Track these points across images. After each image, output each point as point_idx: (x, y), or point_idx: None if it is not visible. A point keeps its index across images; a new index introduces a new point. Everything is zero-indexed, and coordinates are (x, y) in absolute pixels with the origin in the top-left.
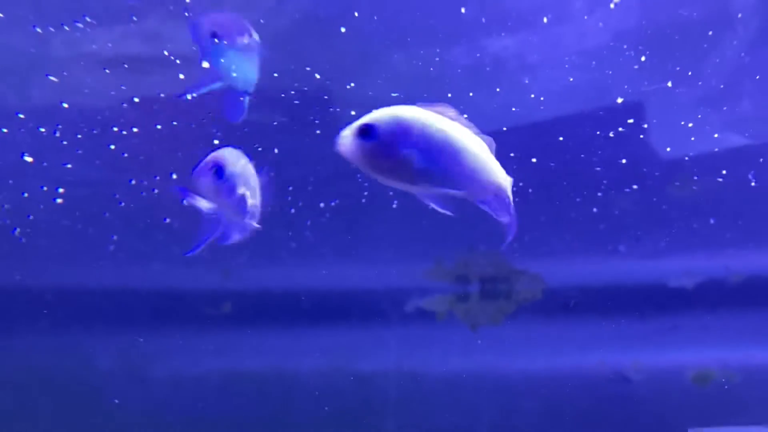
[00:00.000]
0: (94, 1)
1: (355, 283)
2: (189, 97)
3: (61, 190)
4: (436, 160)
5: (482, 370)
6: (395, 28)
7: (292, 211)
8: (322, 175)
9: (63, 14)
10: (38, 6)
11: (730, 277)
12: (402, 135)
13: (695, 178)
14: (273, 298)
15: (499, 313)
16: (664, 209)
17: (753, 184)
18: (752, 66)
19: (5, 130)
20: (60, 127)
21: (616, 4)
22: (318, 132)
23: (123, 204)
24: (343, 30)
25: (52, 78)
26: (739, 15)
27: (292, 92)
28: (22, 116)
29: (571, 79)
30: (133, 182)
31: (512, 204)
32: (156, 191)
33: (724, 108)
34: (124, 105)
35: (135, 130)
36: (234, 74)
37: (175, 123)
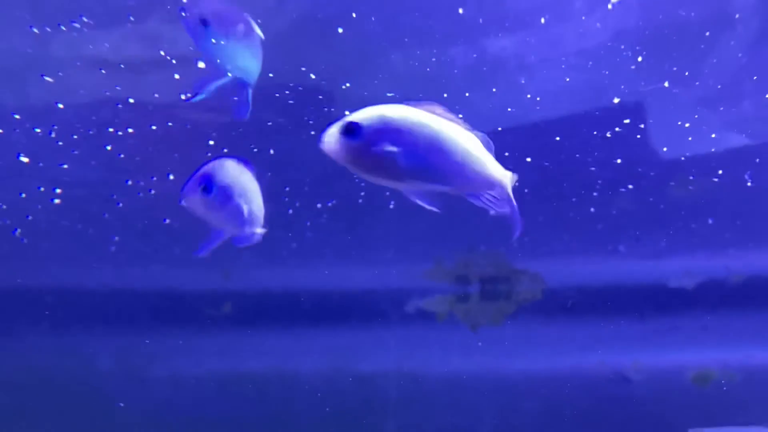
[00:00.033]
0: (91, 2)
1: (355, 283)
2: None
3: (58, 191)
4: (422, 157)
5: (482, 370)
6: (393, 28)
7: (290, 212)
8: (320, 175)
9: (60, 14)
10: (35, 6)
11: (731, 278)
12: (386, 133)
13: (695, 178)
14: (273, 298)
15: (500, 314)
16: (664, 209)
17: (750, 184)
18: (750, 66)
19: (0, 131)
20: (56, 127)
21: (613, 5)
22: (313, 132)
23: (121, 204)
24: (340, 30)
25: (47, 78)
26: (737, 15)
27: (287, 92)
28: (17, 117)
29: (568, 79)
30: (130, 183)
31: (514, 200)
32: (153, 192)
33: (723, 108)
34: (119, 105)
35: (130, 130)
36: (230, 66)
37: (170, 124)
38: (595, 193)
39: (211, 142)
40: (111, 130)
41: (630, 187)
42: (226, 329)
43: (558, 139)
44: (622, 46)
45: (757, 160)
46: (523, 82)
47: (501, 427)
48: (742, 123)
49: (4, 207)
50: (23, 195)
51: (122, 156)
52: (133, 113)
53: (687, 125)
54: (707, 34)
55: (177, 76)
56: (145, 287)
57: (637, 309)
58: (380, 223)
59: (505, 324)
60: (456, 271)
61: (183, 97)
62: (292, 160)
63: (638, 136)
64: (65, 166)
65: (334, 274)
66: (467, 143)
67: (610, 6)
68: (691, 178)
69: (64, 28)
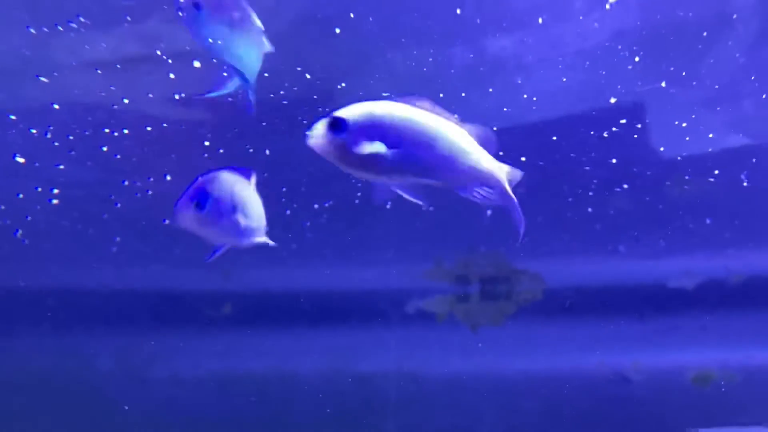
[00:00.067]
0: (88, 2)
1: (355, 284)
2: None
3: (55, 191)
4: (409, 151)
5: (483, 370)
6: (391, 28)
7: (288, 212)
8: (318, 175)
9: (57, 15)
10: (32, 6)
11: (731, 278)
12: (372, 128)
13: (694, 178)
14: (273, 299)
15: (500, 314)
16: (664, 209)
17: (750, 184)
18: (748, 67)
19: None
20: (51, 128)
21: (611, 5)
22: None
23: (119, 205)
24: (338, 31)
25: (42, 79)
26: (735, 16)
27: (282, 92)
28: (13, 117)
29: (564, 79)
30: (126, 183)
31: (513, 195)
32: (150, 192)
33: (722, 108)
34: (115, 106)
35: (126, 131)
36: (225, 55)
37: (165, 125)
38: (595, 194)
39: (207, 143)
40: (107, 130)
41: (630, 187)
42: (226, 330)
43: (558, 139)
44: (619, 46)
45: (758, 160)
46: (519, 82)
47: (501, 427)
48: (740, 123)
49: (3, 207)
50: (21, 195)
51: (118, 156)
52: (129, 114)
53: (686, 125)
54: (705, 34)
55: (172, 76)
56: (145, 288)
57: (637, 309)
58: (380, 224)
59: (505, 324)
60: (456, 271)
61: (180, 95)
62: (289, 161)
63: (638, 137)
64: (62, 167)
65: (334, 275)
66: (455, 137)
67: (608, 6)
68: (690, 178)
69: (61, 29)
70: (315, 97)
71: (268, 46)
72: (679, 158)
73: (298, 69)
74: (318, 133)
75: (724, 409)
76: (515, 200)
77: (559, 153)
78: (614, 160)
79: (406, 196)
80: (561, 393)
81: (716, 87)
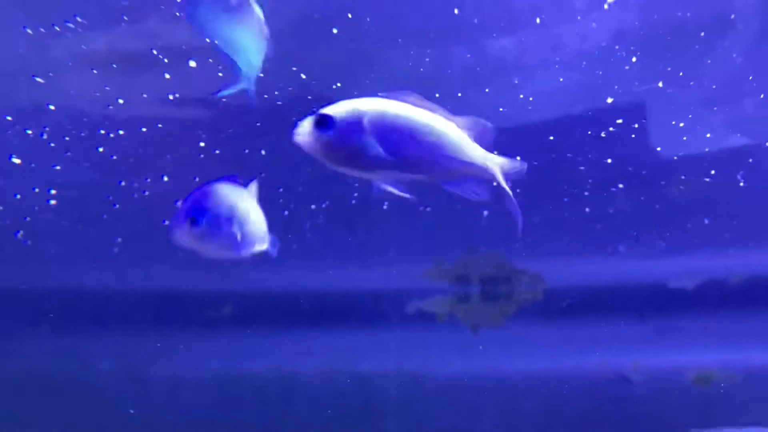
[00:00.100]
0: (85, 2)
1: (355, 284)
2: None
3: (53, 192)
4: (395, 147)
5: (483, 371)
6: (388, 28)
7: (286, 213)
8: (315, 176)
9: (54, 15)
10: (28, 7)
11: (731, 278)
12: (358, 124)
13: (695, 178)
14: (273, 300)
15: (500, 315)
16: (664, 210)
17: (750, 184)
18: (745, 67)
19: None
20: (47, 129)
21: (609, 5)
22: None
23: (118, 206)
24: (335, 31)
25: (38, 79)
26: (732, 17)
27: (276, 93)
28: (9, 118)
29: (561, 80)
30: (123, 184)
31: (507, 188)
32: (146, 193)
33: (721, 109)
34: (110, 107)
35: (121, 132)
36: (221, 42)
37: (160, 125)
38: (596, 194)
39: (202, 144)
40: (102, 131)
41: (631, 187)
42: (226, 330)
43: (559, 139)
44: (617, 46)
45: (758, 160)
46: (517, 82)
47: (501, 427)
48: (740, 123)
49: (1, 208)
50: (18, 196)
51: (114, 157)
52: (124, 114)
53: (685, 126)
54: (702, 34)
55: (168, 76)
56: (146, 288)
57: (638, 309)
58: (380, 224)
59: (506, 324)
60: (456, 271)
61: (175, 95)
62: (285, 161)
63: (638, 137)
64: (58, 168)
65: (334, 275)
66: (444, 130)
67: (606, 6)
68: (690, 178)
69: (58, 29)
70: (309, 97)
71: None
72: (679, 159)
73: (294, 69)
74: (304, 130)
75: (725, 409)
76: (510, 193)
77: (560, 153)
78: (615, 161)
79: (395, 191)
80: (561, 393)
81: (713, 87)
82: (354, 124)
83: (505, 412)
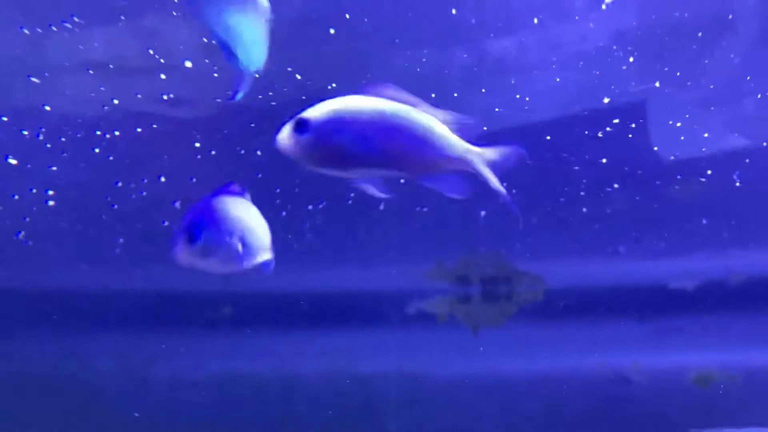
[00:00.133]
0: (82, 2)
1: (355, 285)
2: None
3: (51, 192)
4: (372, 143)
5: (483, 371)
6: (385, 29)
7: (284, 214)
8: (312, 176)
9: (51, 15)
10: (25, 7)
11: (731, 278)
12: (335, 124)
13: (694, 178)
14: (273, 300)
15: (500, 315)
16: (665, 210)
17: (748, 184)
18: (743, 67)
19: None
20: (43, 129)
21: (607, 5)
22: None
23: (116, 207)
24: (332, 31)
25: (34, 79)
26: (730, 17)
27: (271, 93)
28: (5, 119)
29: (558, 79)
30: (120, 184)
31: (491, 177)
32: (144, 194)
33: (722, 109)
34: (105, 107)
35: (117, 133)
36: (218, 27)
37: (155, 126)
38: (596, 195)
39: (198, 144)
40: (98, 132)
41: (631, 188)
42: (226, 331)
43: (557, 140)
44: (614, 47)
45: (759, 160)
46: (514, 82)
47: (502, 428)
48: (740, 124)
49: (1, 208)
50: (16, 197)
51: (111, 158)
52: (120, 115)
53: (686, 126)
54: (699, 35)
55: (163, 77)
56: (145, 289)
57: (638, 310)
58: (380, 224)
59: (506, 325)
60: (456, 272)
61: (169, 95)
62: (281, 162)
63: (638, 137)
64: (54, 168)
65: (335, 276)
66: (420, 123)
67: (603, 6)
68: (690, 178)
69: (55, 29)
70: (304, 97)
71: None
72: (680, 159)
73: (289, 69)
74: (284, 135)
75: (725, 409)
76: (496, 183)
77: (559, 154)
78: (615, 161)
79: (371, 190)
80: (562, 394)
81: (711, 87)
82: (330, 124)
83: (506, 412)
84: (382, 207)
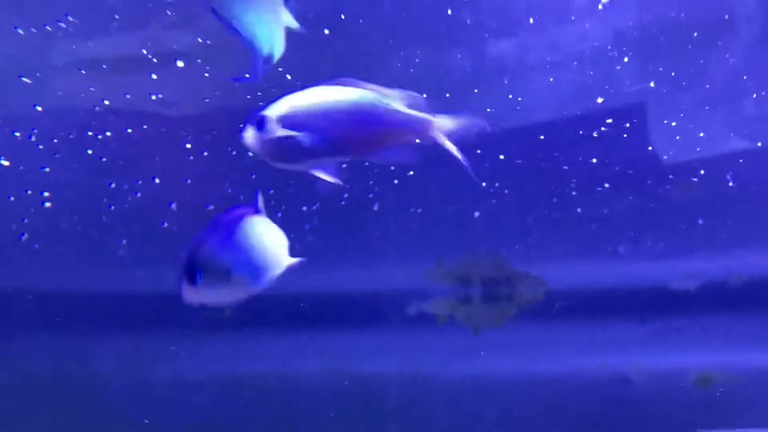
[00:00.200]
0: (77, 1)
1: (356, 285)
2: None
3: (46, 194)
4: (330, 135)
5: (484, 372)
6: (381, 30)
7: (279, 215)
8: (309, 176)
9: (45, 14)
10: (19, 6)
11: (732, 278)
12: (292, 118)
13: (694, 179)
14: (274, 301)
15: (501, 316)
16: (665, 211)
17: (747, 185)
18: (740, 67)
19: None
20: (35, 131)
21: (604, 5)
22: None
23: (113, 208)
24: (326, 32)
25: (25, 80)
26: (726, 17)
27: (260, 93)
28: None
29: (551, 79)
30: (113, 185)
31: (449, 144)
32: (138, 195)
33: (724, 109)
34: (96, 108)
35: (108, 134)
36: (225, 12)
37: (145, 126)
38: (596, 195)
39: (188, 146)
40: (90, 133)
41: (631, 188)
42: (227, 332)
43: (555, 140)
44: (609, 46)
45: (759, 160)
46: (507, 82)
47: (502, 429)
48: (737, 124)
49: None
50: (12, 198)
51: (104, 159)
52: (113, 115)
53: (685, 126)
54: (695, 35)
55: (155, 77)
56: (146, 290)
57: (639, 311)
58: (380, 225)
59: (507, 326)
60: (457, 273)
61: (158, 95)
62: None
63: (636, 138)
64: (47, 170)
65: (335, 277)
66: (372, 99)
67: (600, 6)
68: (690, 179)
69: (49, 29)
70: None
71: (293, 23)
72: (679, 159)
73: (280, 69)
74: (247, 133)
75: (726, 410)
76: (453, 148)
77: (558, 154)
78: (615, 162)
79: (324, 175)
80: (562, 395)
81: (707, 87)
82: (288, 118)
83: (506, 413)
84: (381, 207)
